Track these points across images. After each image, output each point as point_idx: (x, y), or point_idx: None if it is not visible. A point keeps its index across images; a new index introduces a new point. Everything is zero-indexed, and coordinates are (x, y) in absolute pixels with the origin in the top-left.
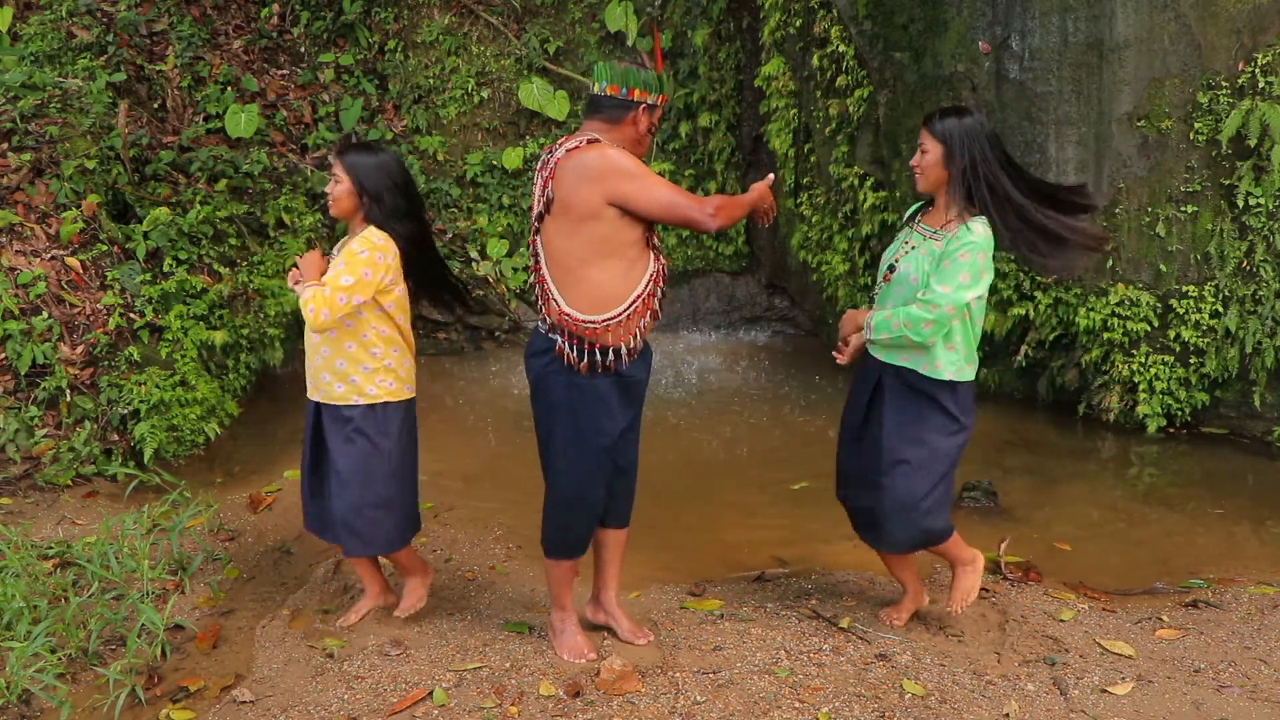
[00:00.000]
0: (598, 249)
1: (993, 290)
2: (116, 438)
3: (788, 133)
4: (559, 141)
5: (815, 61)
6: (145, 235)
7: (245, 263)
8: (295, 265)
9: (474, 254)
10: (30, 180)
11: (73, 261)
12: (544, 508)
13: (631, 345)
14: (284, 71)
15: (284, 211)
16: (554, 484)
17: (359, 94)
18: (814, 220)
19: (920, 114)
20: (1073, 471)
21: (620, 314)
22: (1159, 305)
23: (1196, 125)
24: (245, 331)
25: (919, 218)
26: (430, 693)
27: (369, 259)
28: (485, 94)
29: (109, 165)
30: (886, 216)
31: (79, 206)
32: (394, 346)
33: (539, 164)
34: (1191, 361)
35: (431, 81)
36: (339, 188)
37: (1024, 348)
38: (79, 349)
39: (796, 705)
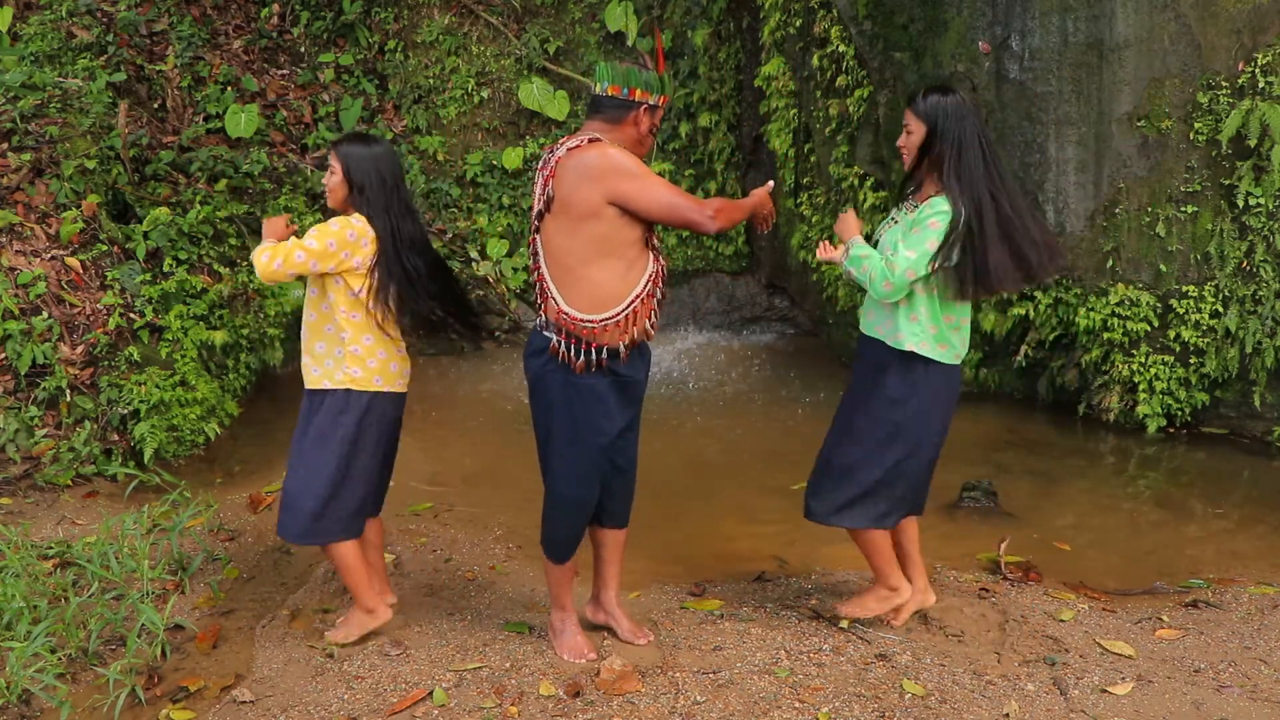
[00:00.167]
0: (597, 248)
1: None
2: (116, 438)
3: (788, 133)
4: (560, 141)
5: (815, 61)
6: (145, 235)
7: (245, 263)
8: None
9: (474, 254)
10: (30, 180)
11: (73, 261)
12: (543, 509)
13: (629, 345)
14: (284, 71)
15: (284, 211)
16: (552, 485)
17: (359, 94)
18: (814, 220)
19: None
20: (1073, 471)
21: (619, 313)
22: (1159, 305)
23: (1196, 125)
24: (245, 331)
25: (909, 198)
26: (430, 693)
27: (339, 233)
28: (485, 94)
29: (109, 165)
30: (886, 216)
31: (79, 206)
32: (365, 334)
33: (540, 163)
34: (1191, 361)
35: (431, 81)
36: (333, 178)
37: (1024, 348)
38: (79, 349)
39: (796, 705)
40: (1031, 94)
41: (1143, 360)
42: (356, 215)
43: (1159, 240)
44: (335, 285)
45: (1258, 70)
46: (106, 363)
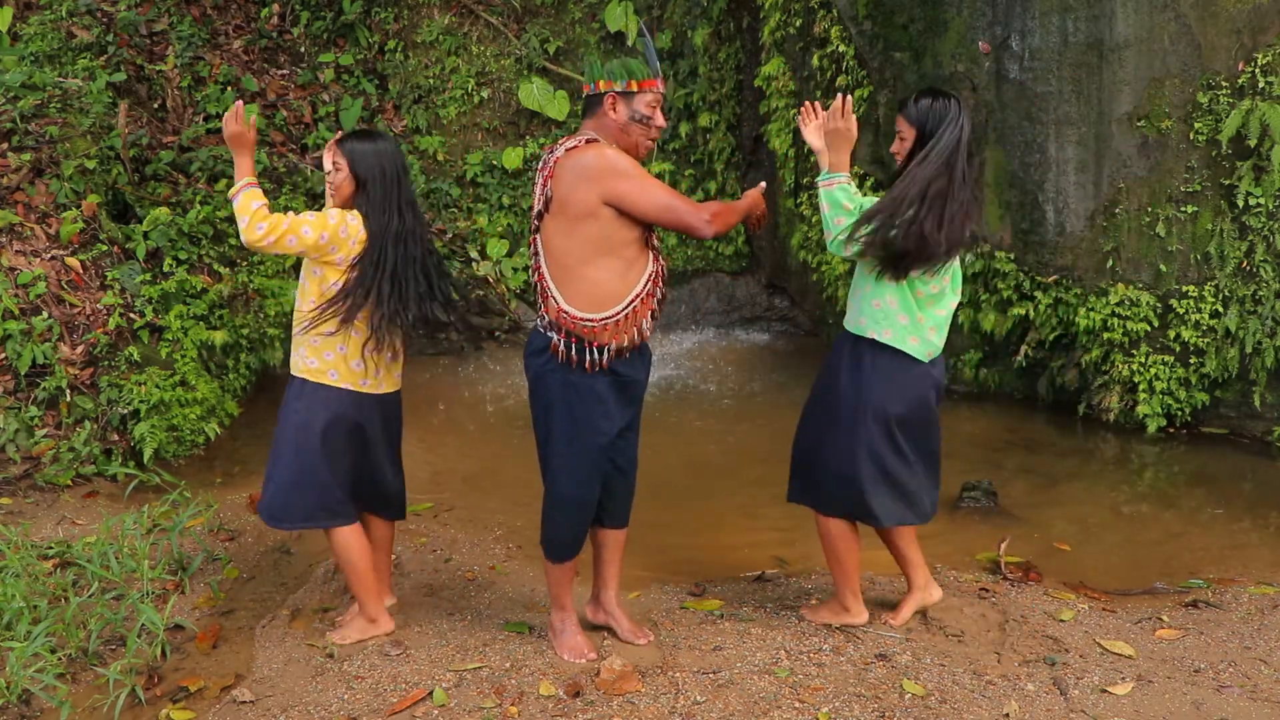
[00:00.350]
0: (595, 248)
1: (993, 290)
2: (116, 438)
3: (788, 133)
4: (560, 141)
5: (815, 61)
6: (145, 235)
7: (245, 263)
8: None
9: (474, 254)
10: (30, 180)
11: (73, 261)
12: (543, 509)
13: (629, 344)
14: (284, 71)
15: (284, 211)
16: (551, 484)
17: (359, 94)
18: (814, 220)
19: None
20: (1073, 471)
21: (618, 313)
22: (1159, 305)
23: (1196, 125)
24: (245, 331)
25: None
26: (430, 693)
27: (334, 226)
28: (485, 94)
29: (109, 165)
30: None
31: (79, 206)
32: (327, 326)
33: (540, 163)
34: (1191, 361)
35: (431, 81)
36: (339, 175)
37: (1024, 348)
38: (79, 349)
39: (796, 705)
40: (1031, 94)
41: (1143, 360)
42: (354, 212)
43: (1159, 240)
44: (313, 275)
45: (1258, 70)
46: (106, 363)
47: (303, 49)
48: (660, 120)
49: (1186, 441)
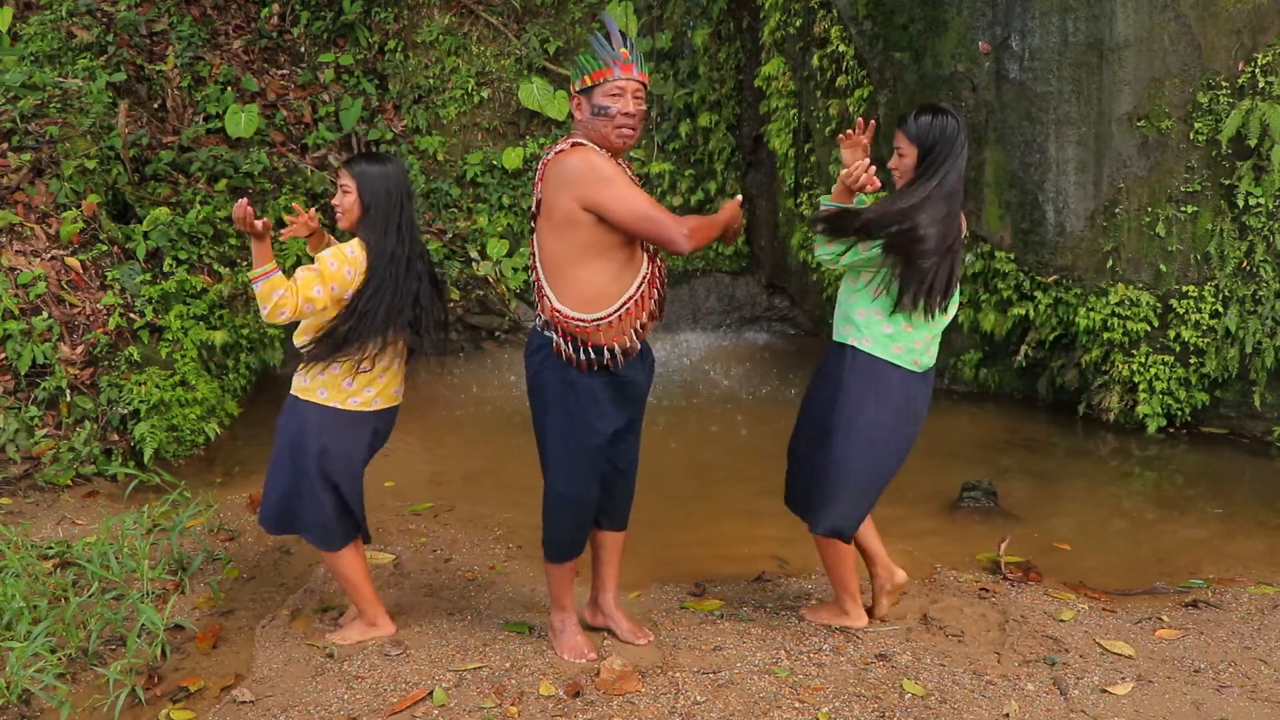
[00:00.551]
0: (584, 250)
1: (993, 290)
2: (116, 438)
3: (788, 133)
4: (555, 143)
5: (815, 61)
6: (145, 235)
7: (245, 263)
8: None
9: (474, 254)
10: (30, 180)
11: (73, 261)
12: (543, 508)
13: (625, 346)
14: (284, 71)
15: (284, 211)
16: (549, 484)
17: (359, 94)
18: None
19: None
20: (1073, 471)
21: (611, 314)
22: (1159, 305)
23: (1196, 125)
24: (245, 331)
25: None
26: (430, 693)
27: (338, 273)
28: (485, 94)
29: (109, 165)
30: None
31: (79, 206)
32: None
33: (538, 163)
34: (1191, 361)
35: (431, 81)
36: (348, 199)
37: (1024, 348)
38: (79, 349)
39: (796, 705)
40: (1031, 94)
41: (1143, 360)
42: (354, 243)
43: (1159, 240)
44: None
45: (1258, 70)
46: (106, 363)
47: (303, 49)
48: (621, 107)
49: (1186, 441)
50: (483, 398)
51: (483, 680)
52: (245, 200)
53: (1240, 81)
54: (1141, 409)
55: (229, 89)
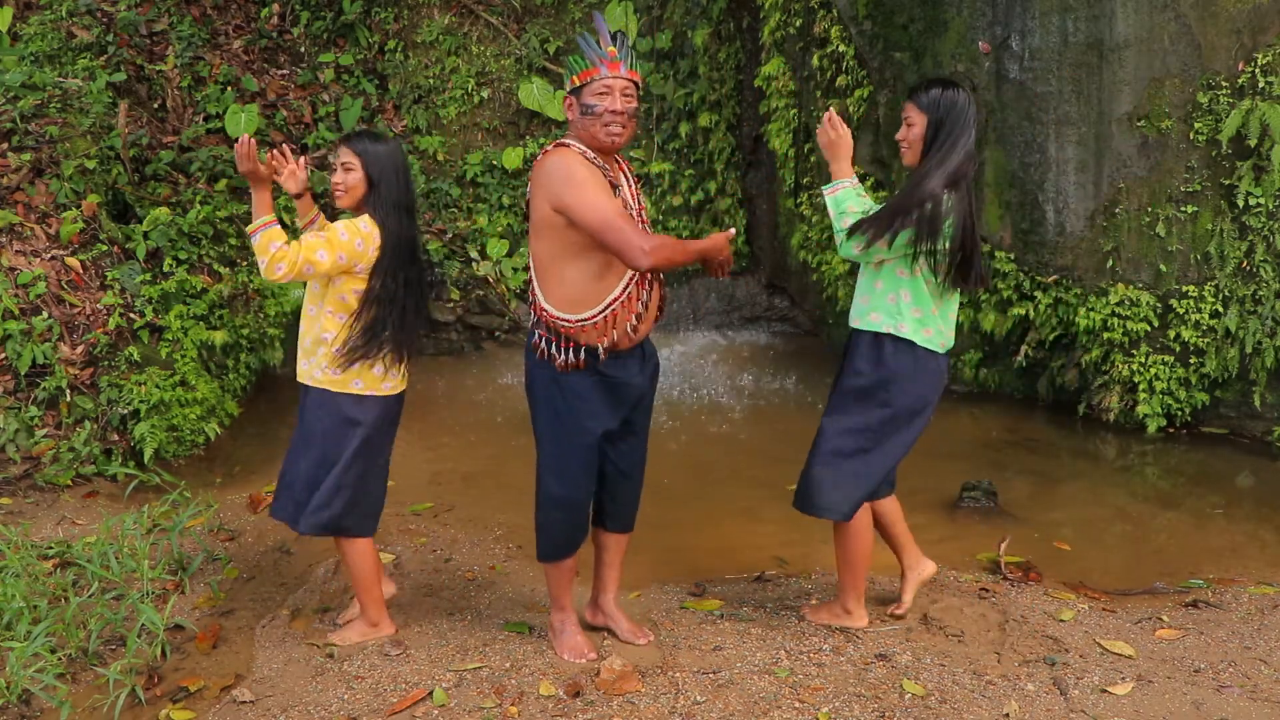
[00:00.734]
0: (563, 250)
1: (993, 290)
2: (116, 438)
3: (788, 133)
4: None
5: (815, 61)
6: (145, 235)
7: (245, 263)
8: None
9: (474, 254)
10: (30, 180)
11: (73, 261)
12: (535, 507)
13: (612, 345)
14: (284, 71)
15: (284, 211)
16: (540, 481)
17: (359, 94)
18: (814, 220)
19: None
20: (1073, 471)
21: (596, 315)
22: (1159, 305)
23: (1196, 125)
24: (245, 331)
25: None
26: (430, 693)
27: (348, 243)
28: (485, 94)
29: (109, 165)
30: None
31: (79, 206)
32: (359, 341)
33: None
34: (1191, 361)
35: (431, 81)
36: (351, 175)
37: (1024, 348)
38: (79, 349)
39: (796, 705)
40: (1031, 94)
41: (1143, 360)
42: (364, 218)
43: (1159, 240)
44: (333, 284)
45: (1258, 70)
46: (106, 363)
47: (303, 49)
48: (609, 105)
49: (1186, 441)
50: (483, 398)
51: (483, 680)
52: (248, 136)
53: (1240, 81)
54: (1141, 409)
55: (229, 89)
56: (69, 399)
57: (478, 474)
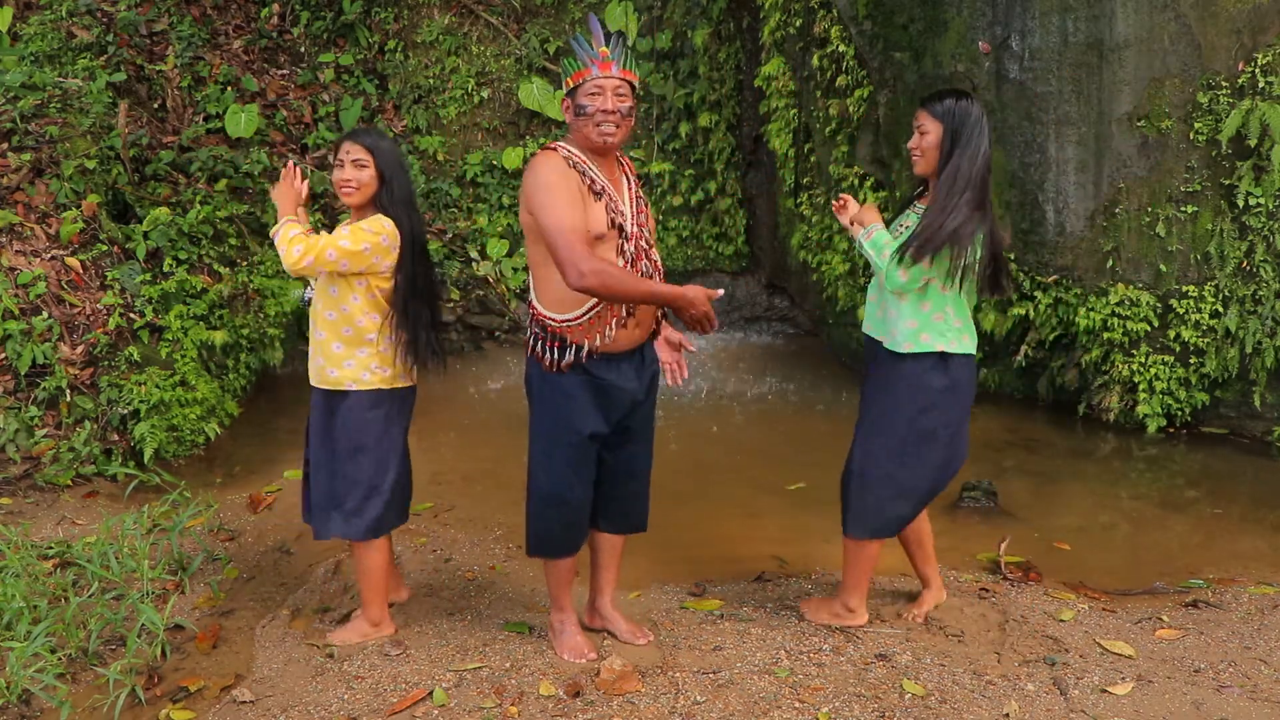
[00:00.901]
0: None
1: None
2: (116, 438)
3: (788, 133)
4: None
5: (815, 61)
6: (145, 235)
7: (245, 263)
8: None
9: (474, 254)
10: (30, 180)
11: (73, 261)
12: (525, 503)
13: (599, 346)
14: (284, 71)
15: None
16: (530, 476)
17: (359, 94)
18: (814, 220)
19: None
20: (1073, 471)
21: (582, 315)
22: (1159, 305)
23: (1196, 125)
24: (245, 331)
25: (915, 202)
26: (430, 693)
27: (373, 237)
28: (485, 94)
29: (109, 165)
30: (887, 216)
31: (79, 206)
32: (387, 334)
33: None
34: (1191, 361)
35: (431, 81)
36: (364, 172)
37: (1024, 348)
38: (79, 349)
39: (796, 705)
40: (1031, 94)
41: (1143, 360)
42: (383, 217)
43: (1159, 240)
44: (358, 286)
45: (1258, 70)
46: (106, 363)
47: (303, 49)
48: (600, 105)
49: (1186, 441)
50: (483, 398)
51: (483, 680)
52: (293, 164)
53: (1240, 81)
54: (1141, 409)
55: (229, 89)
56: (69, 399)
57: (478, 474)
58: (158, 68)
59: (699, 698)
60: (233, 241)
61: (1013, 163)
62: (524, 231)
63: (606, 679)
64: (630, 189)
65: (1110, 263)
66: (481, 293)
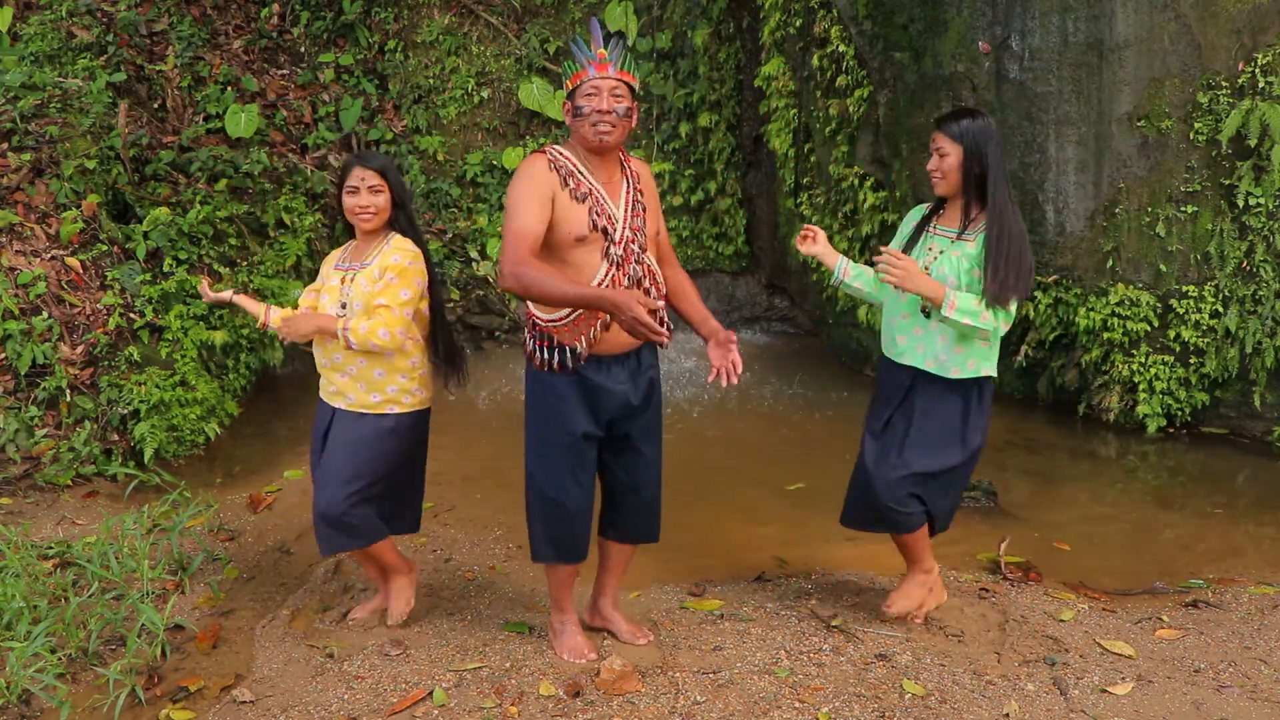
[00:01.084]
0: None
1: None
2: (116, 438)
3: (788, 133)
4: None
5: (815, 61)
6: (145, 235)
7: (245, 263)
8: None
9: (474, 254)
10: (30, 180)
11: (73, 261)
12: (525, 506)
13: (583, 347)
14: (284, 71)
15: (284, 211)
16: (528, 477)
17: (359, 94)
18: (814, 220)
19: (920, 114)
20: (1073, 471)
21: (567, 316)
22: (1159, 305)
23: (1196, 125)
24: (245, 331)
25: (934, 221)
26: (430, 693)
27: (416, 269)
28: (485, 94)
29: (109, 165)
30: (886, 216)
31: (79, 206)
32: (422, 353)
33: None
34: (1191, 361)
35: (431, 81)
36: (381, 197)
37: (1024, 348)
38: (79, 349)
39: (796, 705)
40: (1031, 94)
41: (1143, 360)
42: (401, 238)
43: (1159, 240)
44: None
45: (1258, 70)
46: (106, 363)
47: (303, 49)
48: (595, 105)
49: (1186, 441)
50: (482, 398)
51: (483, 680)
52: (205, 284)
53: (1240, 81)
54: (1141, 409)
55: (229, 89)
56: (69, 399)
57: (478, 474)
58: (158, 68)
59: (699, 698)
60: (233, 241)
61: (1013, 163)
62: None
63: (606, 679)
64: (629, 192)
65: (1110, 263)
66: (481, 293)
